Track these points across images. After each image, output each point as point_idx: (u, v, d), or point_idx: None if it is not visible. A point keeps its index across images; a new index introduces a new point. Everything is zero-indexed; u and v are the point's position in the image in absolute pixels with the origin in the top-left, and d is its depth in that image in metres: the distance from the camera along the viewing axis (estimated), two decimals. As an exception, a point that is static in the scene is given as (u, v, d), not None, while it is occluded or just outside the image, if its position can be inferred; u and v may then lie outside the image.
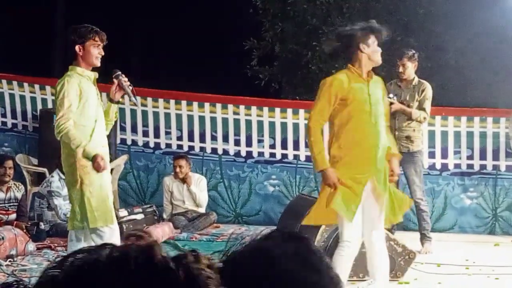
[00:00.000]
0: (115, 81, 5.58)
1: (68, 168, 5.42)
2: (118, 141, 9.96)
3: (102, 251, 1.01)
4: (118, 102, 5.70)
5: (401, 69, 7.94)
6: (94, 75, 5.49)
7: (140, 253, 0.99)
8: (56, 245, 7.80)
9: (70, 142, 5.29)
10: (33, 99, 10.36)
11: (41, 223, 8.26)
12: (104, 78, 5.73)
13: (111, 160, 6.04)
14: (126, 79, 5.59)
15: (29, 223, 8.14)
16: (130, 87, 5.59)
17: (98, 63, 5.47)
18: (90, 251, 1.02)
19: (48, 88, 10.27)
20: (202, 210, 9.36)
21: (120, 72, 5.59)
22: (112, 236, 5.47)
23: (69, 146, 5.33)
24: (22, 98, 10.40)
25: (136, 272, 0.97)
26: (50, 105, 10.23)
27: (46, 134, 9.53)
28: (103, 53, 5.47)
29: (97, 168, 5.31)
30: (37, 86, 10.37)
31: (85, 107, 5.37)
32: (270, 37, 14.07)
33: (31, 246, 7.58)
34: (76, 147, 5.28)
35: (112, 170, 8.42)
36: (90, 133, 5.39)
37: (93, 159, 5.30)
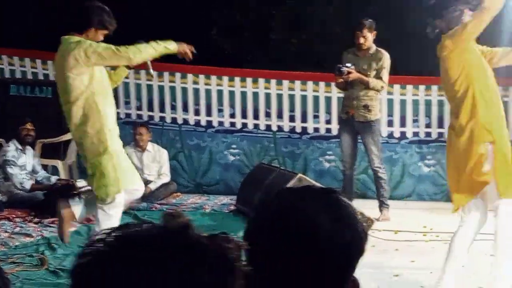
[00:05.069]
0: None
1: (95, 134, 5.26)
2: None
3: (143, 227, 1.08)
4: (130, 68, 5.78)
5: (361, 40, 7.91)
6: None
7: (177, 231, 1.07)
8: (14, 216, 7.72)
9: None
10: (-10, 69, 10.20)
11: (-2, 194, 8.20)
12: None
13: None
14: None
15: (-14, 195, 8.08)
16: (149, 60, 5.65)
17: None
18: (131, 226, 1.09)
19: (4, 57, 10.11)
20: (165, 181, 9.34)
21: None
22: (139, 189, 5.54)
23: (95, 115, 5.20)
24: (-21, 67, 10.23)
25: (173, 247, 1.05)
26: (7, 75, 10.08)
27: (3, 104, 9.42)
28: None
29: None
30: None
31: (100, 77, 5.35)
32: (233, 7, 13.99)
33: (-11, 218, 7.53)
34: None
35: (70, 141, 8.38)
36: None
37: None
